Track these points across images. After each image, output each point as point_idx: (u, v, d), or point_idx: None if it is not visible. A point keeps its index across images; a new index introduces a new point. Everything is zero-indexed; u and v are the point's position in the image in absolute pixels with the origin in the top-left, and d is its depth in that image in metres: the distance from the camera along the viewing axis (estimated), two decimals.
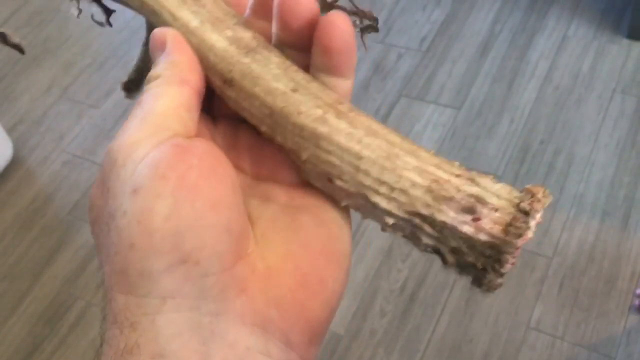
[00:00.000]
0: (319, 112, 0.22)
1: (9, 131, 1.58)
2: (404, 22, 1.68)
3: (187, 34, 0.25)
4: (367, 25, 0.26)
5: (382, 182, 0.22)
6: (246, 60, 0.23)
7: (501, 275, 0.22)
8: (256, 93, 0.23)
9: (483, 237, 0.21)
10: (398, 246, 1.28)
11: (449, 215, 0.21)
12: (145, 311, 0.20)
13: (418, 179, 0.22)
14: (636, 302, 1.16)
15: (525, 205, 0.21)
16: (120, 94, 1.44)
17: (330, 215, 0.23)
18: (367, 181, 0.22)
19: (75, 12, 0.29)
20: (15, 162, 1.55)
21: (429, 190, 0.22)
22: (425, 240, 0.22)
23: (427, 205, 0.22)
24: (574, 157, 1.36)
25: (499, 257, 0.21)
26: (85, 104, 1.65)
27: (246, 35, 0.24)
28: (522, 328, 1.16)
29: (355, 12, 0.25)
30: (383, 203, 0.22)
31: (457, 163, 0.23)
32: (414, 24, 1.67)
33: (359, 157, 0.22)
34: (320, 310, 0.22)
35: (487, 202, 0.21)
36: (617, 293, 1.18)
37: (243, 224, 0.22)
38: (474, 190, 0.22)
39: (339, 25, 0.22)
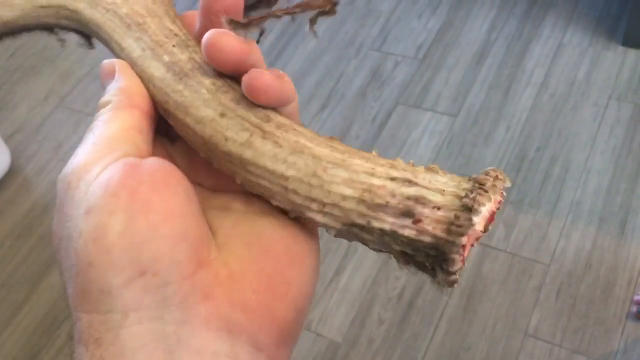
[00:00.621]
0: (245, 135, 0.23)
1: (7, 140, 1.58)
2: (401, 30, 1.68)
3: (132, 64, 0.26)
4: (319, 12, 0.26)
5: (312, 199, 0.22)
6: (179, 87, 0.24)
7: (453, 273, 0.21)
8: (188, 123, 0.24)
9: (426, 238, 0.21)
10: None
11: (386, 221, 0.21)
12: (109, 327, 0.20)
13: (348, 191, 0.21)
14: (634, 309, 1.16)
15: (467, 200, 0.20)
16: None
17: (289, 223, 0.23)
18: (298, 200, 0.22)
19: (59, 43, 0.29)
20: (12, 171, 1.55)
21: (362, 200, 0.21)
22: (371, 245, 0.22)
23: (362, 215, 0.21)
24: (570, 164, 1.37)
25: (444, 257, 0.21)
26: (83, 113, 1.65)
27: (183, 57, 0.25)
28: (520, 335, 1.16)
29: (300, 7, 0.25)
30: (318, 217, 0.22)
31: (401, 161, 0.23)
32: (411, 32, 1.67)
33: (285, 177, 0.22)
34: (287, 311, 0.22)
35: (428, 201, 0.21)
36: (615, 300, 1.18)
37: (201, 232, 0.22)
38: (412, 191, 0.21)
39: (261, 84, 0.23)
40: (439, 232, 0.21)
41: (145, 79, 0.25)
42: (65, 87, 1.72)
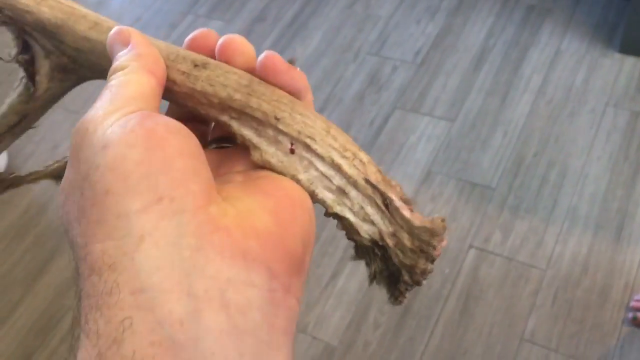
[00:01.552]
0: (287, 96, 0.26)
1: None
2: (399, 35, 1.69)
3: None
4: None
5: (345, 150, 0.25)
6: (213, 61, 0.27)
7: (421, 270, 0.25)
8: (232, 69, 0.26)
9: (417, 222, 0.25)
10: None
11: (395, 197, 0.25)
12: (125, 251, 0.20)
13: (365, 157, 0.26)
14: (629, 314, 1.16)
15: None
16: None
17: (285, 179, 0.25)
18: (335, 146, 0.25)
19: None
20: (9, 171, 1.55)
21: (378, 171, 0.25)
22: (374, 216, 0.25)
23: (379, 182, 0.25)
24: (567, 170, 1.37)
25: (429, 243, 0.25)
26: (80, 114, 1.64)
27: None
28: (516, 340, 1.16)
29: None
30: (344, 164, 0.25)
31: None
32: (409, 37, 1.68)
33: (328, 126, 0.26)
34: (295, 243, 0.23)
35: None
36: (611, 305, 1.19)
37: (209, 173, 0.23)
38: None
39: (277, 67, 0.27)
40: (420, 221, 0.25)
41: (172, 48, 0.27)
42: None
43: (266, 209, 0.23)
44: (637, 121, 1.43)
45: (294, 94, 0.27)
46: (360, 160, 0.25)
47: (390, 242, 0.25)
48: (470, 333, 1.18)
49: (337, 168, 0.25)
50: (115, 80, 0.24)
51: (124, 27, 0.27)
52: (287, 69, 0.27)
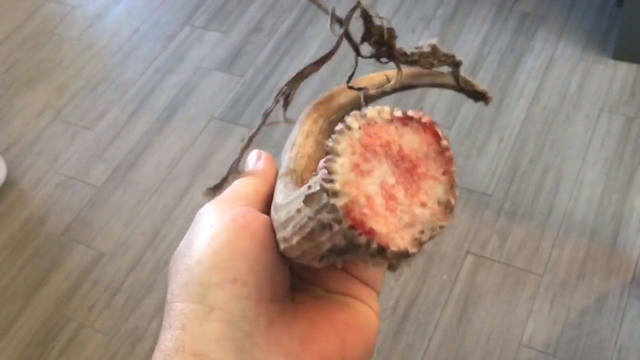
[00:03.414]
0: None
1: (3, 153, 1.59)
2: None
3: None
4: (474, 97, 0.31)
5: None
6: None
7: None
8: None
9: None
10: None
11: None
12: (197, 315, 0.24)
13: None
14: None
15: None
16: (113, 115, 1.46)
17: (364, 309, 0.28)
18: None
19: None
20: (8, 184, 1.56)
21: None
22: None
23: None
24: (562, 175, 1.38)
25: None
26: (78, 126, 1.66)
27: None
28: (515, 345, 1.17)
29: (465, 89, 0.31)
30: None
31: None
32: (404, 45, 1.69)
33: None
34: (337, 358, 0.26)
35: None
36: (608, 310, 1.19)
37: (286, 274, 0.27)
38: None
39: None
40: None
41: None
42: (62, 101, 1.73)
43: (324, 328, 0.26)
44: (631, 126, 1.44)
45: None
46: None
47: None
48: (469, 339, 1.18)
49: None
50: (237, 180, 0.30)
51: (258, 151, 0.33)
52: None
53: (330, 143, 0.22)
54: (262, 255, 0.26)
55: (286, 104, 0.32)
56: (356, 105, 0.33)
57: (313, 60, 0.32)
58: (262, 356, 0.24)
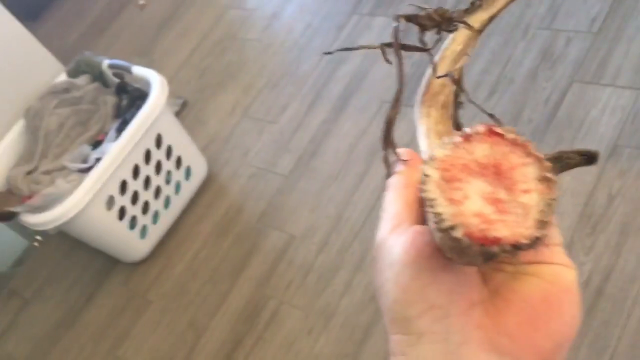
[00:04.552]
0: None
1: (203, 150, 1.78)
2: (571, 4, 1.60)
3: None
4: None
5: None
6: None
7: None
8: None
9: None
10: (580, 239, 1.23)
11: None
12: (410, 343, 0.29)
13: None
14: None
15: None
16: (293, 109, 1.58)
17: (551, 271, 0.29)
18: None
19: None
20: (209, 178, 1.75)
21: None
22: None
23: None
24: None
25: None
26: (264, 121, 1.80)
27: None
28: None
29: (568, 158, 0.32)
30: None
31: None
32: (582, 5, 1.58)
33: None
34: (545, 342, 0.28)
35: None
36: None
37: (473, 276, 0.30)
38: None
39: None
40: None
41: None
42: (248, 99, 1.89)
43: (522, 312, 0.28)
44: None
45: None
46: None
47: None
48: None
49: None
50: (385, 199, 0.33)
51: (408, 150, 0.34)
52: None
53: (422, 194, 0.27)
54: (444, 275, 0.29)
55: (394, 147, 0.34)
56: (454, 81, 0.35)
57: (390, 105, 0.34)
58: (476, 358, 0.27)
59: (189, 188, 1.69)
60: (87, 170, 1.48)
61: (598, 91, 1.42)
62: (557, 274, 0.29)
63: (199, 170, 1.72)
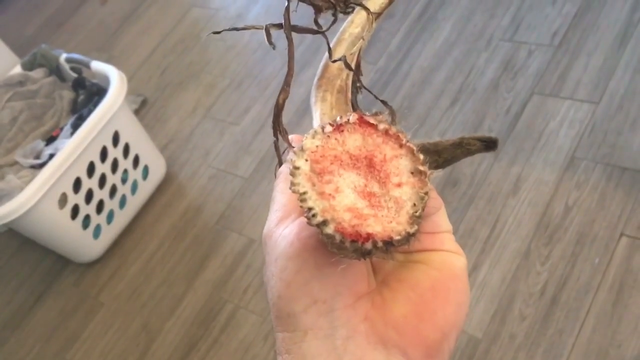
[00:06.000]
0: None
1: (162, 150, 1.75)
2: (533, 18, 1.63)
3: None
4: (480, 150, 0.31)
5: None
6: None
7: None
8: None
9: None
10: (536, 248, 1.25)
11: None
12: (295, 341, 0.27)
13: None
14: None
15: None
16: (256, 110, 1.55)
17: (439, 258, 0.29)
18: None
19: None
20: (168, 178, 1.71)
21: None
22: None
23: None
24: None
25: None
26: (226, 122, 1.78)
27: None
28: None
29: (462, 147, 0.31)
30: None
31: None
32: (544, 18, 1.61)
33: None
34: (432, 333, 0.27)
35: None
36: None
37: (360, 267, 0.28)
38: None
39: None
40: None
41: None
42: (210, 99, 1.86)
43: (409, 301, 0.27)
44: None
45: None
46: None
47: None
48: (625, 325, 1.12)
49: None
50: (275, 190, 0.31)
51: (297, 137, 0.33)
52: None
53: (291, 188, 0.25)
54: (329, 268, 0.27)
55: (285, 133, 0.32)
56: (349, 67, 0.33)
57: (280, 88, 0.33)
58: (363, 353, 0.26)
59: (146, 188, 1.65)
60: (40, 166, 1.43)
61: (557, 103, 1.45)
62: (446, 261, 0.28)
63: (157, 169, 1.68)
